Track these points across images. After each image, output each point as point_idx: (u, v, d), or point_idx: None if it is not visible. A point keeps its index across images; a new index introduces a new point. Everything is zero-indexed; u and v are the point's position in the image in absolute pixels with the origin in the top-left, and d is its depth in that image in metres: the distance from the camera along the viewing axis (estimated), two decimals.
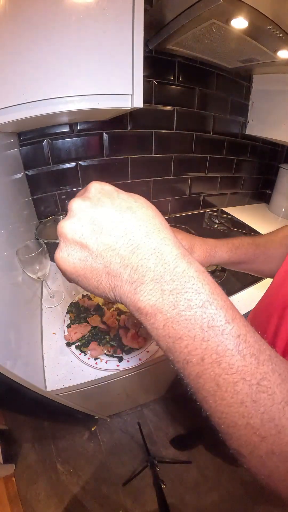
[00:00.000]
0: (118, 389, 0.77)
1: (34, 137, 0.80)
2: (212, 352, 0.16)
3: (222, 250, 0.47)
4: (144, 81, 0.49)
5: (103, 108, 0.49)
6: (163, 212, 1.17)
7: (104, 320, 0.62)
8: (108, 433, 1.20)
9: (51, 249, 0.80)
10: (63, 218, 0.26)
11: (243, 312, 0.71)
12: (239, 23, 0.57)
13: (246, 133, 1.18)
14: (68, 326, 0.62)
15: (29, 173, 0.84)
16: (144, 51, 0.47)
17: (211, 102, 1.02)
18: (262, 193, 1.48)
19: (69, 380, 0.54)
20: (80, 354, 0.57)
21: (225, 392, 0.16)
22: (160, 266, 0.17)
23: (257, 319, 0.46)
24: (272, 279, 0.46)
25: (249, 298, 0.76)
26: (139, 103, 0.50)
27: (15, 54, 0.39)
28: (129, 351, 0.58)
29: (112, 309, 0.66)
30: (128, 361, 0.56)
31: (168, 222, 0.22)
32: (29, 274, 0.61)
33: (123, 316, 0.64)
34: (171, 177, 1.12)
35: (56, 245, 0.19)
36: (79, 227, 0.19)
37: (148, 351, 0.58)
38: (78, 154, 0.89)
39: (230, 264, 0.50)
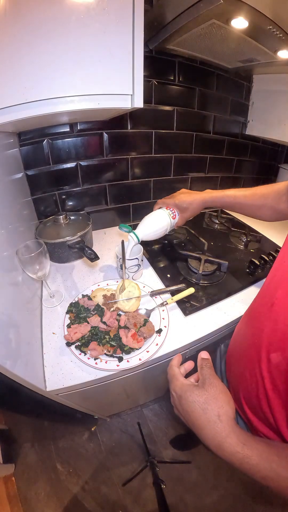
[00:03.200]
0: (118, 389, 0.77)
1: (34, 137, 0.80)
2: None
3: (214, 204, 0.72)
4: (144, 81, 0.49)
5: (103, 108, 0.49)
6: None
7: (104, 320, 0.62)
8: (108, 433, 1.20)
9: (51, 249, 0.81)
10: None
11: (243, 312, 0.71)
12: (239, 23, 0.57)
13: (246, 133, 1.18)
14: (68, 326, 0.62)
15: (29, 173, 0.84)
16: (144, 51, 0.47)
17: (211, 102, 1.02)
18: None
19: (69, 380, 0.54)
20: (80, 354, 0.57)
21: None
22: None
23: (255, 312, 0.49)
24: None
25: (249, 298, 0.76)
26: (139, 103, 0.50)
27: (15, 54, 0.39)
28: (129, 351, 0.58)
29: (112, 309, 0.66)
30: (128, 361, 0.56)
31: None
32: (29, 274, 0.61)
33: (123, 316, 0.64)
34: (171, 177, 1.12)
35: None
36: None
37: (148, 351, 0.58)
38: (78, 154, 0.89)
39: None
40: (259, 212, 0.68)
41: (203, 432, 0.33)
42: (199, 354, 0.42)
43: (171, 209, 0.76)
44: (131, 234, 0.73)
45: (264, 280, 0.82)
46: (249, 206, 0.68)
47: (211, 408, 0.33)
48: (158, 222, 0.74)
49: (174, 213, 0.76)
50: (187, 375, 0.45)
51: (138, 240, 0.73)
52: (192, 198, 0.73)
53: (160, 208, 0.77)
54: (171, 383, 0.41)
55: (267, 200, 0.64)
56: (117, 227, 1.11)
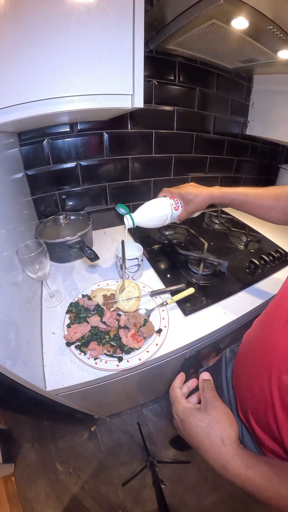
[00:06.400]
0: (118, 389, 0.77)
1: (34, 136, 0.80)
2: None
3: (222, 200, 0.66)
4: (145, 81, 0.49)
5: (103, 108, 0.49)
6: None
7: (104, 320, 0.62)
8: (108, 433, 1.20)
9: (51, 249, 0.81)
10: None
11: (243, 312, 0.71)
12: (240, 23, 0.57)
13: (246, 133, 1.18)
14: (68, 326, 0.62)
15: (29, 172, 0.84)
16: (145, 51, 0.47)
17: (211, 102, 1.02)
18: None
19: (69, 380, 0.54)
20: (80, 354, 0.57)
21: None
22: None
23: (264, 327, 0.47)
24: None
25: (249, 298, 0.76)
26: (139, 103, 0.51)
27: (15, 54, 0.39)
28: (129, 351, 0.58)
29: (112, 309, 0.66)
30: (128, 361, 0.56)
31: None
32: (29, 274, 0.61)
33: (123, 316, 0.64)
34: (171, 177, 1.12)
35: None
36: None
37: (148, 351, 0.58)
38: (79, 154, 0.89)
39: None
40: (269, 214, 0.62)
41: (207, 455, 0.34)
42: (201, 376, 0.42)
43: (175, 199, 0.71)
44: (127, 216, 0.69)
45: (264, 281, 0.83)
46: (259, 206, 0.62)
47: (214, 432, 0.34)
48: (158, 209, 0.70)
49: (178, 204, 0.71)
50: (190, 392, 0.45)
51: (133, 224, 0.69)
52: (199, 191, 0.68)
53: (164, 196, 0.73)
54: (173, 406, 0.41)
55: (279, 202, 0.59)
56: (117, 227, 1.12)
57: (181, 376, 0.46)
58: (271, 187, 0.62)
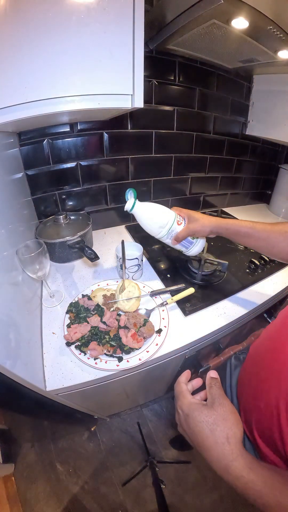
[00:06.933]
0: (118, 389, 0.77)
1: (34, 136, 0.80)
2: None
3: (228, 229, 0.65)
4: (145, 81, 0.49)
5: (103, 108, 0.49)
6: None
7: (104, 320, 0.62)
8: (108, 433, 1.20)
9: (51, 249, 0.81)
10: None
11: (243, 312, 0.71)
12: (240, 23, 0.57)
13: (247, 133, 1.18)
14: (68, 326, 0.62)
15: (29, 172, 0.84)
16: (145, 51, 0.47)
17: (211, 102, 1.02)
18: (262, 194, 1.48)
19: (69, 380, 0.54)
20: (80, 354, 0.57)
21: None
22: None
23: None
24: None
25: (249, 298, 0.76)
26: (139, 103, 0.50)
27: (15, 53, 0.39)
28: (129, 351, 0.58)
29: (112, 309, 0.66)
30: (128, 361, 0.56)
31: None
32: (29, 273, 0.61)
33: (123, 316, 0.64)
34: (171, 177, 1.12)
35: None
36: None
37: (148, 351, 0.58)
38: (79, 154, 0.89)
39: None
40: (275, 249, 0.60)
41: (210, 453, 0.33)
42: (208, 373, 0.41)
43: (182, 216, 0.70)
44: (132, 199, 0.67)
45: (264, 280, 0.82)
46: (266, 239, 0.60)
47: (220, 429, 0.33)
48: (161, 212, 0.68)
49: (182, 220, 0.69)
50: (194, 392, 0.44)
51: (131, 209, 0.67)
52: (207, 216, 0.67)
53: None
54: (178, 400, 0.40)
55: (287, 236, 0.57)
56: (117, 227, 1.12)
57: (187, 373, 0.45)
58: (280, 223, 0.61)
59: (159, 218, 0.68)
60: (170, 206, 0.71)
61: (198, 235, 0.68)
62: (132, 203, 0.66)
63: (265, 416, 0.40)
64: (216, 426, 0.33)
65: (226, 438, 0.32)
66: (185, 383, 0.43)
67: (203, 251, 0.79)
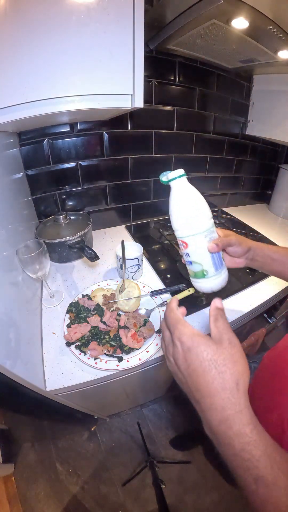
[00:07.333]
0: (118, 389, 0.77)
1: (34, 136, 0.80)
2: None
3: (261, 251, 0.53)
4: (145, 81, 0.49)
5: (103, 108, 0.49)
6: (164, 213, 1.18)
7: (104, 320, 0.62)
8: (108, 433, 1.20)
9: (51, 249, 0.81)
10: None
11: (243, 312, 0.71)
12: (240, 23, 0.57)
13: (247, 133, 1.18)
14: (68, 326, 0.62)
15: (29, 172, 0.84)
16: (145, 51, 0.47)
17: (211, 102, 1.02)
18: (262, 193, 1.48)
19: (69, 380, 0.54)
20: (80, 354, 0.57)
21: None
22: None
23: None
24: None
25: (249, 298, 0.76)
26: (139, 103, 0.50)
27: (15, 54, 0.39)
28: (129, 351, 0.58)
29: (112, 309, 0.66)
30: (128, 361, 0.56)
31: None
32: (29, 274, 0.61)
33: (123, 316, 0.64)
34: None
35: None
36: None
37: (148, 351, 0.58)
38: (78, 154, 0.89)
39: None
40: None
41: (212, 400, 0.27)
42: (213, 302, 0.33)
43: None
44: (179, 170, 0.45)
45: (264, 280, 0.82)
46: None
47: (230, 372, 0.27)
48: (205, 202, 0.45)
49: (215, 235, 0.46)
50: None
51: (178, 176, 0.44)
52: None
53: None
54: (176, 330, 0.32)
55: None
56: (117, 227, 1.11)
57: (176, 300, 0.37)
58: None
59: (207, 207, 0.45)
60: None
61: (236, 250, 0.51)
62: (180, 173, 0.44)
63: (275, 430, 0.35)
64: (225, 367, 0.27)
65: (236, 384, 0.27)
66: (178, 311, 0.35)
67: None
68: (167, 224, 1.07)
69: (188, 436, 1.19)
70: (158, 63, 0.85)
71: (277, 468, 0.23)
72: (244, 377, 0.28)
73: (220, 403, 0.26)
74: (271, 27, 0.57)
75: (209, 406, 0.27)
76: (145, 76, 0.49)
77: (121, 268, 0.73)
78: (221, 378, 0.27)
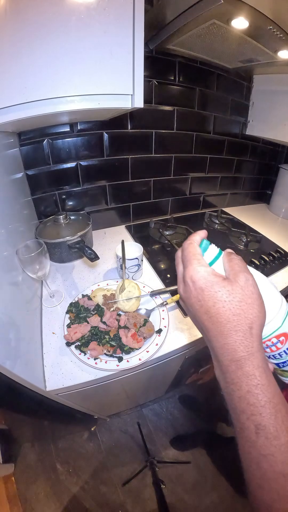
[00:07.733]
0: (118, 389, 0.77)
1: (34, 136, 0.80)
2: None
3: None
4: (145, 81, 0.49)
5: (103, 108, 0.49)
6: (164, 213, 1.18)
7: (104, 320, 0.62)
8: (108, 433, 1.20)
9: (51, 249, 0.81)
10: None
11: None
12: (240, 23, 0.57)
13: (246, 133, 1.18)
14: (68, 326, 0.62)
15: (29, 172, 0.84)
16: (145, 51, 0.47)
17: (211, 102, 1.02)
18: (262, 193, 1.48)
19: (69, 380, 0.54)
20: (80, 354, 0.57)
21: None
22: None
23: None
24: None
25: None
26: (139, 103, 0.50)
27: (15, 53, 0.39)
28: (129, 351, 0.58)
29: (112, 309, 0.66)
30: (128, 361, 0.56)
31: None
32: (29, 273, 0.61)
33: (123, 316, 0.64)
34: (171, 177, 1.12)
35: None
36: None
37: (148, 351, 0.58)
38: (78, 154, 0.89)
39: None
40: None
41: (225, 340, 0.26)
42: (225, 251, 0.32)
43: None
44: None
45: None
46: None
47: (245, 314, 0.26)
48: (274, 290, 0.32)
49: None
50: None
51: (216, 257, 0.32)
52: None
53: None
54: (189, 265, 0.29)
55: None
56: (117, 227, 1.11)
57: (203, 233, 0.33)
58: None
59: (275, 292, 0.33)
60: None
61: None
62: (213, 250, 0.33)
63: None
64: (240, 309, 0.26)
65: (250, 327, 0.26)
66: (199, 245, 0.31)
67: None
68: (167, 224, 1.07)
69: (188, 436, 1.20)
70: (158, 63, 0.85)
71: (281, 421, 0.23)
72: (259, 320, 0.26)
73: (232, 344, 0.25)
74: (271, 27, 0.57)
75: (222, 346, 0.26)
76: (145, 76, 0.49)
77: (121, 268, 0.73)
78: (235, 319, 0.26)
